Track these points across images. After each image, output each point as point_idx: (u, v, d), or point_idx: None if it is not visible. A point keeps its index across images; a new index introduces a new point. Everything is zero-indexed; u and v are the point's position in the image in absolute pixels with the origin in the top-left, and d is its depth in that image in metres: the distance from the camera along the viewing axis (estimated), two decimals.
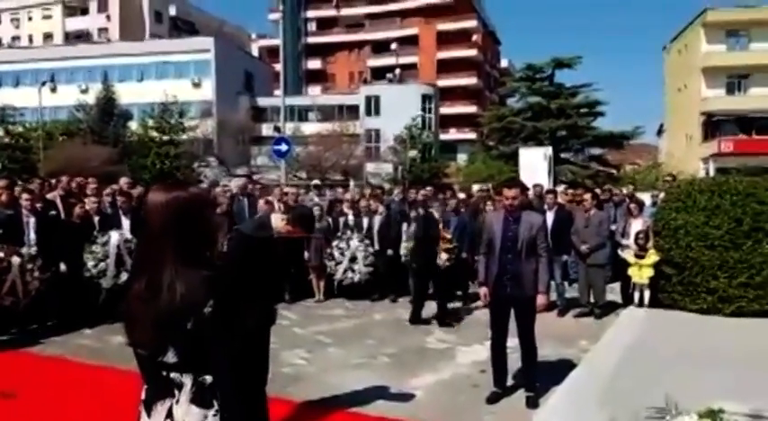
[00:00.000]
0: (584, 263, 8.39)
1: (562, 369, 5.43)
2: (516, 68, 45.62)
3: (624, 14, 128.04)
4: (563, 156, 33.13)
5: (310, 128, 41.68)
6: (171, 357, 1.98)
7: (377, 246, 9.53)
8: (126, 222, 7.79)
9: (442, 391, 5.24)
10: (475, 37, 55.99)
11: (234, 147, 39.41)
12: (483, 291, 5.09)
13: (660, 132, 49.88)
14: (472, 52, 55.46)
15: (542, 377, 5.03)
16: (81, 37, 54.72)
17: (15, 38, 57.74)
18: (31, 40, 56.66)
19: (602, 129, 34.69)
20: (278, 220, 2.80)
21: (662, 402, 3.34)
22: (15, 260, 6.60)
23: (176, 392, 2.00)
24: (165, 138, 35.00)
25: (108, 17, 55.51)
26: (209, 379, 2.01)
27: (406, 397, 5.03)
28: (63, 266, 7.31)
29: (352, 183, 33.23)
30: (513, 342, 5.06)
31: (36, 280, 6.82)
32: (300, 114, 44.98)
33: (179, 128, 35.62)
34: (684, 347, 5.77)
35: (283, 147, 16.59)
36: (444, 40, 54.83)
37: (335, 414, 4.63)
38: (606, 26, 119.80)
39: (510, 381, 5.16)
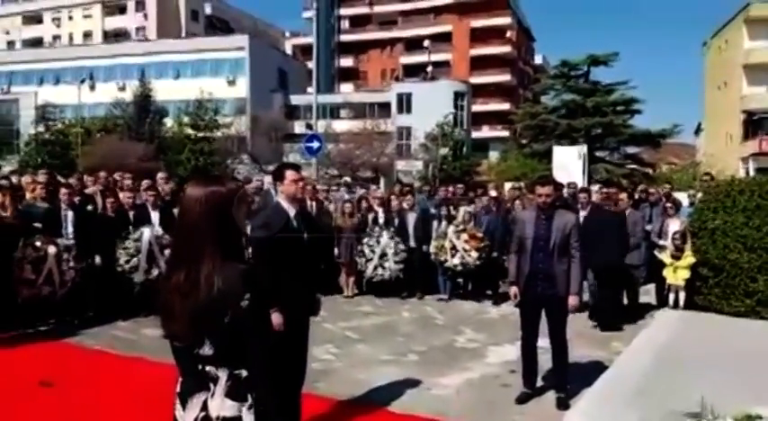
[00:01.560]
0: None
1: (594, 370, 5.36)
2: (551, 65, 44.95)
3: (663, 10, 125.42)
4: (598, 154, 32.55)
5: (342, 125, 41.77)
6: (207, 350, 2.01)
7: (412, 243, 9.51)
8: (155, 217, 7.89)
9: (471, 390, 5.22)
10: (509, 33, 55.41)
11: (267, 145, 39.82)
12: (513, 290, 5.03)
13: (698, 131, 48.72)
14: (506, 49, 54.90)
15: (573, 378, 4.97)
16: (119, 35, 55.99)
17: (56, 37, 59.44)
18: (71, 38, 58.18)
19: (638, 128, 33.88)
20: None
21: (696, 406, 3.28)
22: (51, 249, 6.80)
23: (211, 386, 2.03)
24: (200, 134, 35.60)
25: (145, 16, 56.76)
26: (244, 373, 2.04)
27: (434, 395, 5.03)
28: (98, 259, 7.49)
29: (382, 180, 33.28)
30: (544, 342, 5.00)
31: (72, 269, 7.01)
32: (332, 112, 45.11)
33: (213, 125, 36.18)
34: (720, 350, 5.63)
35: (315, 145, 16.69)
36: (478, 36, 54.40)
37: (363, 410, 4.66)
38: (644, 22, 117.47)
39: (540, 382, 5.11)
